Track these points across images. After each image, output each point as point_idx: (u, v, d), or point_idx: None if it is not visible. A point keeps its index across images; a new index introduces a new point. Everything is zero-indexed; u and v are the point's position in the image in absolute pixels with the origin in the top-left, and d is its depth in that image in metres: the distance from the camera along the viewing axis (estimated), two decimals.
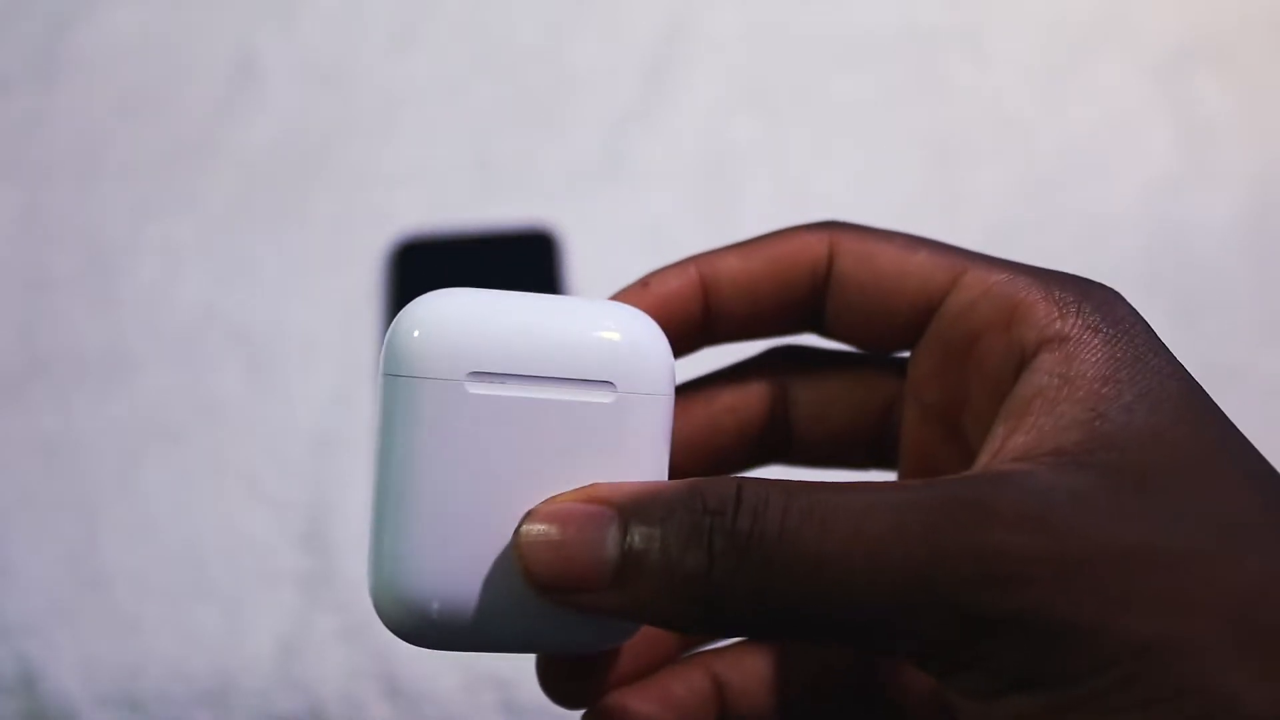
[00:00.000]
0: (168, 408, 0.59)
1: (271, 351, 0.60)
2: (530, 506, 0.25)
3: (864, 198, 0.64)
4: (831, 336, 0.30)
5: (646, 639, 0.29)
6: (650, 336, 0.26)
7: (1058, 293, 0.26)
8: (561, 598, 0.25)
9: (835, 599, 0.22)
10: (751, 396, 0.30)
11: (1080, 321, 0.25)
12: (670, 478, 0.26)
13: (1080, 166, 0.65)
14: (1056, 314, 0.25)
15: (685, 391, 0.30)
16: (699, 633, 0.24)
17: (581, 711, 0.29)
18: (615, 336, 0.26)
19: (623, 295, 0.29)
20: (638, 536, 0.24)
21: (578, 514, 0.24)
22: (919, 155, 0.66)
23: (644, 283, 0.29)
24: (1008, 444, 0.24)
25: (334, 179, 0.65)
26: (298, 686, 0.52)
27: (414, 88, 0.68)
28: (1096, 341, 0.25)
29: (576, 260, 0.61)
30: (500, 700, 0.51)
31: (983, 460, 0.25)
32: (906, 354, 0.29)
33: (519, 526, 0.25)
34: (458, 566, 0.25)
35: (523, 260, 0.61)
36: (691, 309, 0.29)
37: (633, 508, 0.24)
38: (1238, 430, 0.24)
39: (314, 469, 0.57)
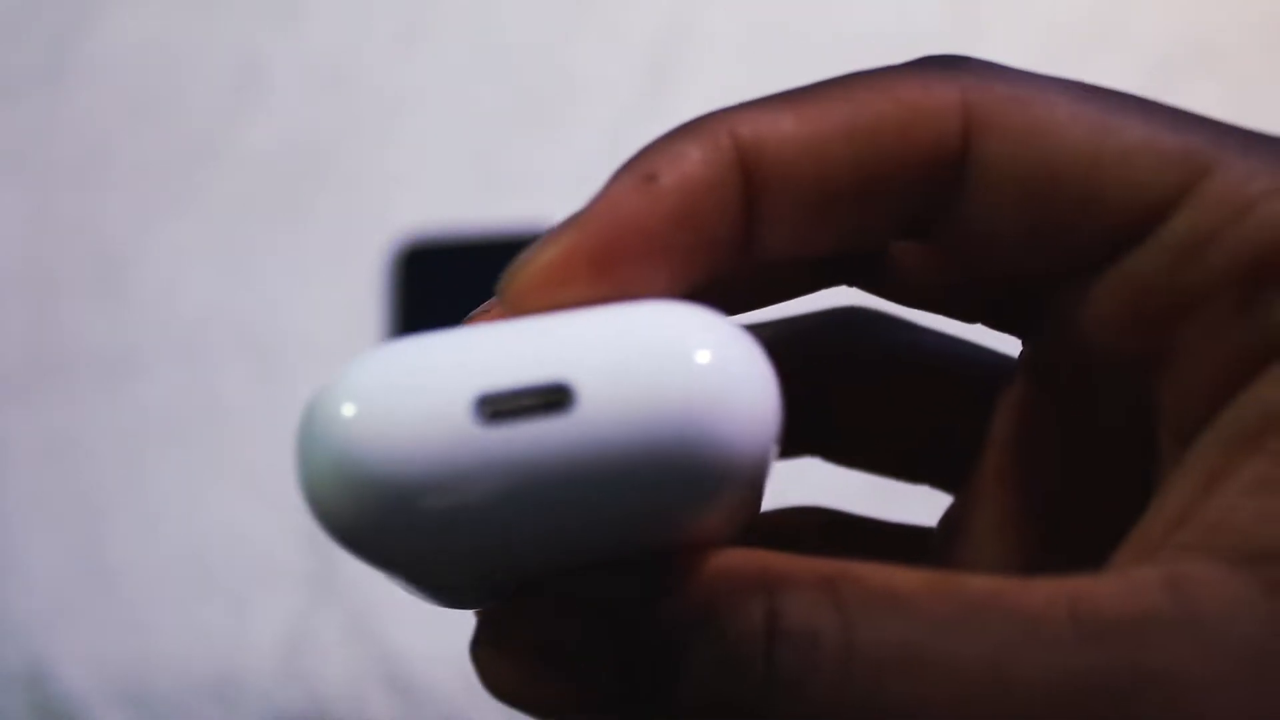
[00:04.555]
0: (174, 408, 0.59)
1: (277, 352, 0.60)
2: None
3: None
4: (950, 262, 0.19)
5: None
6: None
7: None
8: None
9: None
10: (790, 374, 0.17)
11: None
12: None
13: None
14: None
15: None
16: None
17: None
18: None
19: (617, 191, 0.17)
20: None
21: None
22: None
23: (647, 174, 0.17)
24: (1210, 503, 0.15)
25: (339, 181, 0.65)
26: (302, 683, 0.52)
27: (417, 90, 0.68)
28: None
29: None
30: None
31: (1160, 520, 0.16)
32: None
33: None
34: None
35: None
36: (725, 209, 0.17)
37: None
38: None
39: None
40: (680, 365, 0.14)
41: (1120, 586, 0.15)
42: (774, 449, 0.15)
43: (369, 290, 0.62)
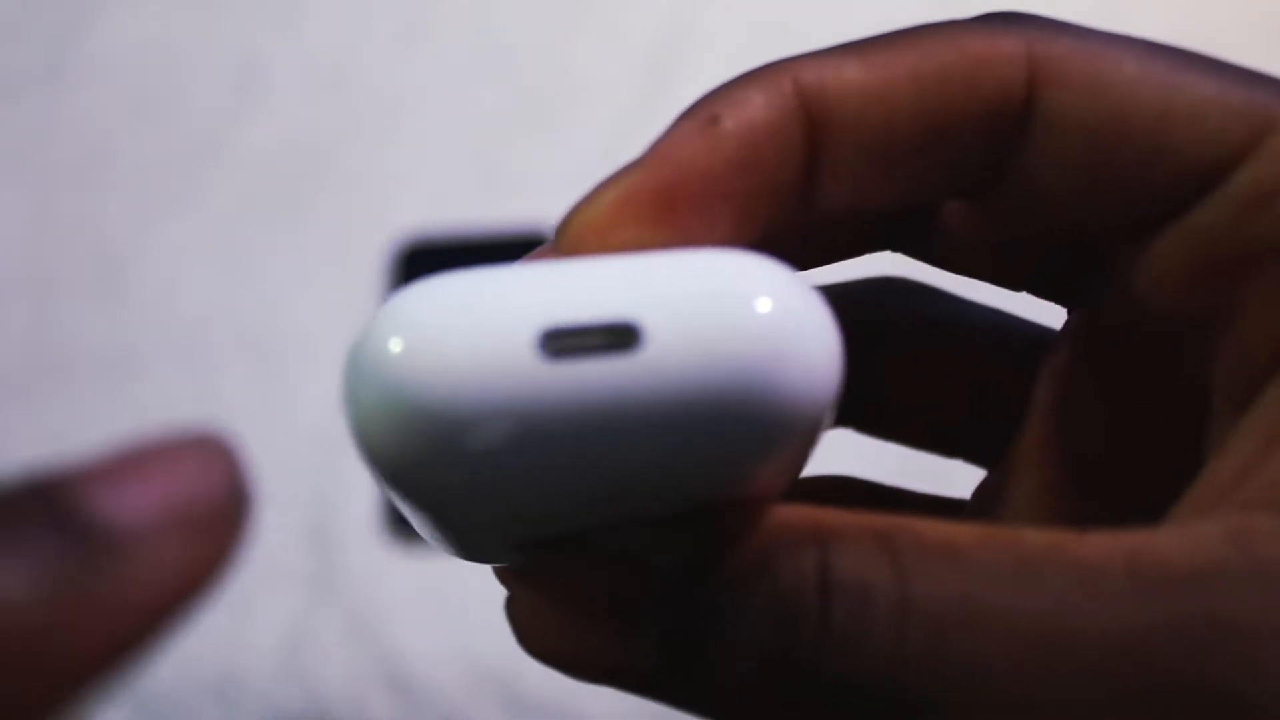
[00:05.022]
0: (174, 408, 0.59)
1: (277, 352, 0.61)
2: None
3: None
4: (1003, 223, 0.18)
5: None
6: None
7: None
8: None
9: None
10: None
11: None
12: None
13: None
14: None
15: None
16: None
17: None
18: None
19: (679, 134, 0.16)
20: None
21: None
22: None
23: (710, 117, 0.16)
24: (1272, 460, 0.15)
25: (338, 181, 0.66)
26: (302, 683, 0.53)
27: (417, 90, 0.68)
28: None
29: None
30: (503, 698, 0.51)
31: (1219, 478, 0.15)
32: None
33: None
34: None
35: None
36: (788, 155, 0.16)
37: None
38: None
39: (318, 468, 0.57)
40: (747, 312, 0.14)
41: (1181, 539, 0.14)
42: (833, 404, 0.15)
43: (369, 290, 0.62)
